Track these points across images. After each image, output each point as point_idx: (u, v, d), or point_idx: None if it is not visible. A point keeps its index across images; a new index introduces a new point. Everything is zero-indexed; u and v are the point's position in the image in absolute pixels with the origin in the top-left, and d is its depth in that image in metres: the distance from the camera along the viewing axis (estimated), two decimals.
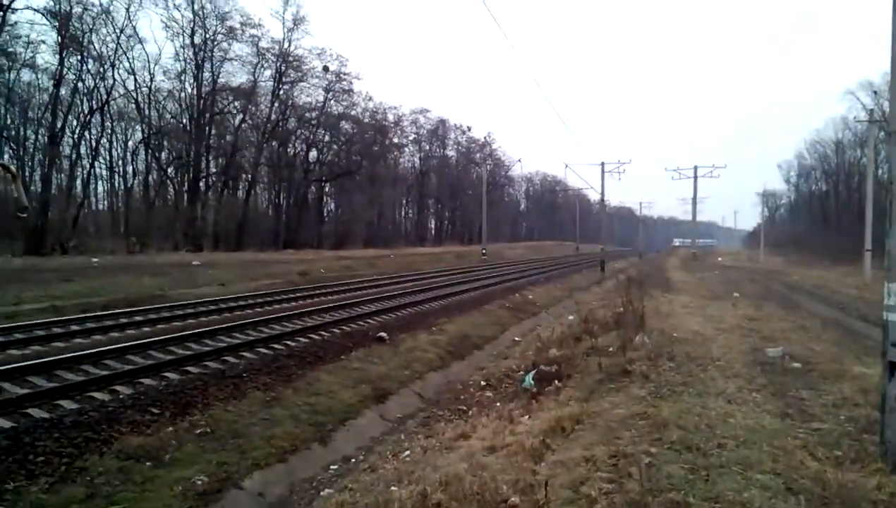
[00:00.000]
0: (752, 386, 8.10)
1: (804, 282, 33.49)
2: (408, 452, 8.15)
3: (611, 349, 10.93)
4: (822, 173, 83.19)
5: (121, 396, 8.80)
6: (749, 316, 16.02)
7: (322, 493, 7.41)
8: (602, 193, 49.27)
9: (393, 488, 6.27)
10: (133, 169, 49.70)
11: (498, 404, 10.22)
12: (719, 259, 73.64)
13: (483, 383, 12.32)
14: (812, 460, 5.40)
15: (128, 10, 42.65)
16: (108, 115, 45.64)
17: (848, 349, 11.72)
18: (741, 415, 6.63)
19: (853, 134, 68.28)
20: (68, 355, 10.57)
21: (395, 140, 77.82)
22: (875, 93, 54.84)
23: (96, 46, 42.00)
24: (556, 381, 9.87)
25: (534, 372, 10.66)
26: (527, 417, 8.29)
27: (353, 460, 8.58)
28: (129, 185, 49.32)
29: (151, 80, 46.97)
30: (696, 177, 55.64)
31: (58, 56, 39.36)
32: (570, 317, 17.53)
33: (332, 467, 8.32)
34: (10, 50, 38.20)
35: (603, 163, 47.77)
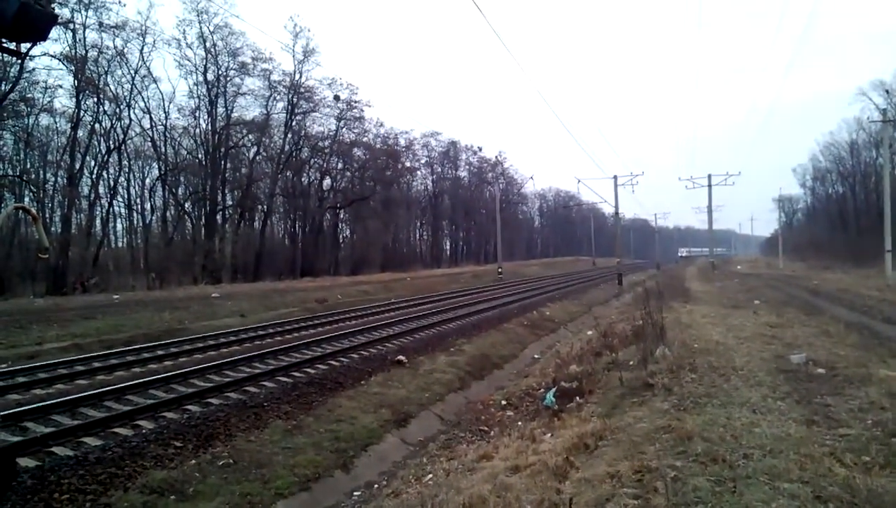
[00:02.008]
0: (777, 394, 7.98)
1: (825, 287, 33.00)
2: (430, 475, 8.11)
3: (631, 363, 10.82)
4: (837, 175, 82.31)
5: (144, 431, 8.85)
6: (771, 324, 15.82)
7: None
8: (616, 206, 49.16)
9: None
10: (151, 205, 50.49)
11: (519, 423, 10.15)
12: (738, 267, 73.01)
13: (504, 402, 12.25)
14: (840, 466, 5.29)
15: (141, 51, 43.68)
16: (125, 154, 46.43)
17: (873, 352, 11.51)
18: (766, 424, 6.53)
19: (867, 134, 67.66)
20: (91, 392, 10.67)
21: (408, 164, 78.25)
22: (887, 92, 54.49)
23: (112, 88, 43.00)
24: (578, 397, 9.79)
25: (554, 389, 10.59)
26: (549, 435, 8.23)
27: (376, 485, 8.55)
28: (147, 222, 50.00)
29: (166, 117, 47.92)
30: (710, 186, 55.31)
31: (74, 99, 40.26)
32: (590, 332, 17.41)
33: (355, 493, 8.30)
34: (29, 95, 39.05)
35: (616, 177, 47.71)
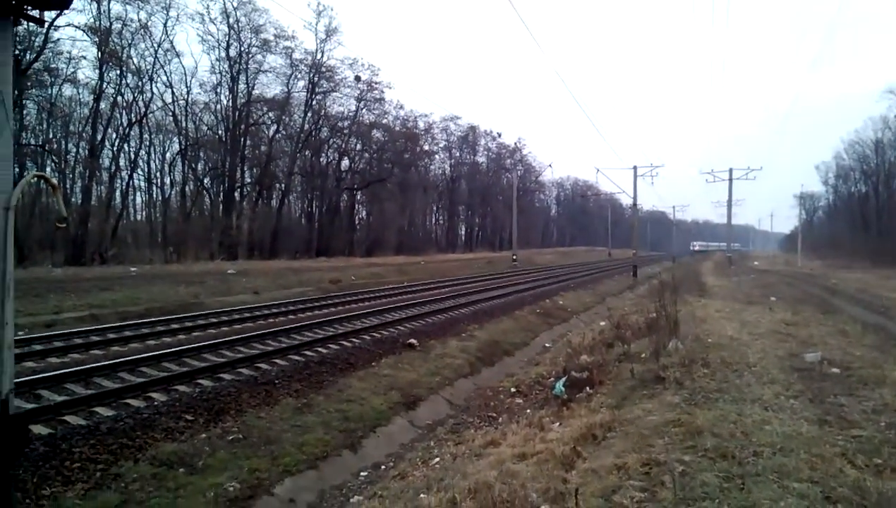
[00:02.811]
0: (790, 393, 7.91)
1: (843, 286, 32.62)
2: (437, 459, 8.13)
3: (643, 355, 10.78)
4: (861, 174, 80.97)
5: (156, 403, 8.95)
6: (786, 321, 15.67)
7: (352, 500, 7.45)
8: (634, 198, 48.73)
9: (422, 495, 6.26)
10: (170, 180, 50.72)
11: (528, 411, 10.16)
12: (755, 263, 72.37)
13: (513, 389, 12.26)
14: (851, 468, 5.24)
15: (165, 25, 43.72)
16: (146, 128, 46.60)
17: (889, 354, 11.39)
18: (778, 422, 6.48)
19: (893, 133, 66.42)
20: (105, 362, 10.80)
21: (426, 147, 77.94)
22: None
23: (135, 61, 43.05)
24: (588, 388, 9.76)
25: (564, 378, 10.56)
26: (557, 424, 8.22)
27: (383, 467, 8.60)
28: (166, 196, 50.31)
29: (188, 92, 47.99)
30: (731, 180, 54.72)
31: (98, 71, 40.41)
32: (602, 323, 17.34)
33: (362, 474, 8.35)
34: (53, 66, 39.26)
35: (635, 167, 47.28)
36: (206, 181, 51.23)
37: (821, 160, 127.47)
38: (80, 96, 43.33)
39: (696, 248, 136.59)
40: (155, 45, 43.74)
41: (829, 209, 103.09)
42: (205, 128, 50.75)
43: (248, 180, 53.75)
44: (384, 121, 65.69)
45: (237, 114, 49.92)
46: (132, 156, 46.60)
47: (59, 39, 37.66)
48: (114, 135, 44.35)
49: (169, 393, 9.49)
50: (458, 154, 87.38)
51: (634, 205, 50.49)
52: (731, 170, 54.74)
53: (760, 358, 10.16)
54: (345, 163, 63.68)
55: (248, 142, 52.96)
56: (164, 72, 45.51)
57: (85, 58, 40.41)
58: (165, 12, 43.22)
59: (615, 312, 17.77)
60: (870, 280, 35.72)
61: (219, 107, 50.09)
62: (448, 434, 9.76)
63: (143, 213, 52.48)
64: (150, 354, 11.61)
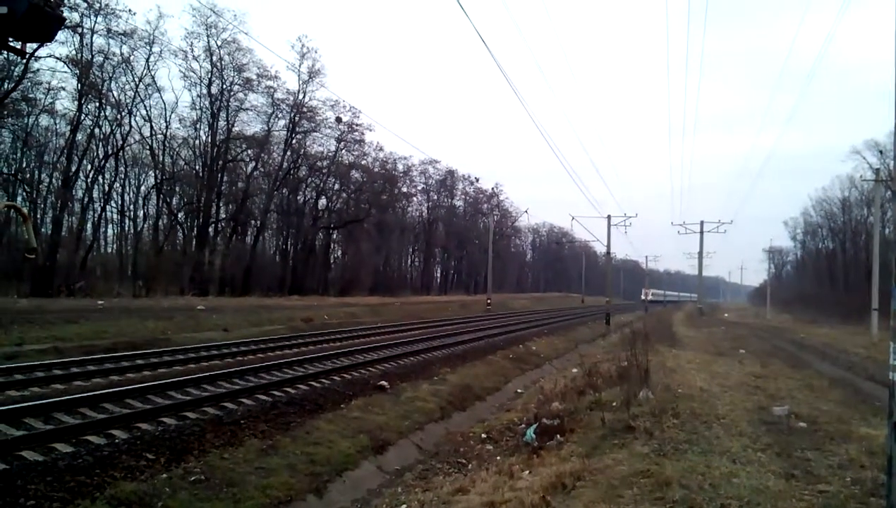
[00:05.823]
0: (757, 446, 7.95)
1: (811, 340, 33.14)
2: (404, 506, 7.99)
3: (614, 404, 10.78)
4: (828, 231, 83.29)
5: (117, 440, 8.69)
6: (755, 374, 15.84)
7: None
8: (608, 246, 49.38)
9: None
10: (144, 213, 50.28)
11: (498, 458, 10.06)
12: (725, 315, 73.31)
13: (484, 435, 12.14)
14: None
15: (147, 60, 43.86)
16: (122, 161, 46.36)
17: (855, 409, 11.53)
18: (745, 475, 6.50)
19: (860, 192, 68.55)
20: (67, 397, 10.51)
21: (404, 189, 78.62)
22: (881, 152, 55.32)
23: (115, 94, 43.12)
24: (559, 435, 9.71)
25: (536, 425, 10.51)
26: (527, 472, 8.14)
27: None
28: (138, 229, 49.78)
29: (167, 127, 47.93)
30: (702, 233, 55.84)
31: (76, 102, 40.27)
32: (574, 370, 17.35)
33: None
34: (31, 96, 39.04)
35: (609, 217, 48.08)
36: (180, 215, 50.86)
37: (789, 216, 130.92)
38: (57, 127, 43.24)
39: (649, 298, 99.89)
40: (136, 79, 43.88)
41: (798, 264, 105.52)
42: (182, 162, 50.65)
43: (224, 216, 53.52)
44: (363, 162, 66.30)
45: (216, 150, 49.92)
46: (106, 188, 46.29)
47: (38, 70, 37.65)
48: (88, 167, 44.15)
49: (131, 430, 9.23)
50: (435, 197, 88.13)
51: (608, 253, 51.11)
52: (702, 223, 55.94)
53: (729, 410, 10.23)
54: (322, 202, 63.88)
55: (226, 178, 52.91)
56: (144, 106, 45.57)
57: (64, 89, 40.29)
58: (148, 48, 43.47)
59: (587, 360, 17.80)
60: (837, 335, 36.33)
61: (197, 142, 50.18)
62: (416, 481, 9.60)
63: (115, 246, 51.88)
64: (114, 390, 11.32)
